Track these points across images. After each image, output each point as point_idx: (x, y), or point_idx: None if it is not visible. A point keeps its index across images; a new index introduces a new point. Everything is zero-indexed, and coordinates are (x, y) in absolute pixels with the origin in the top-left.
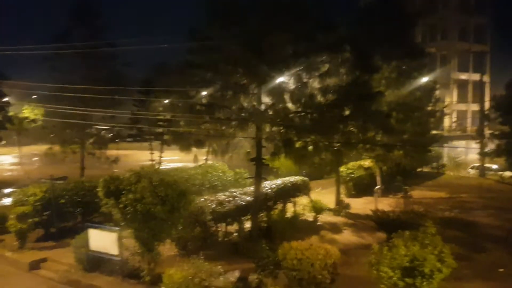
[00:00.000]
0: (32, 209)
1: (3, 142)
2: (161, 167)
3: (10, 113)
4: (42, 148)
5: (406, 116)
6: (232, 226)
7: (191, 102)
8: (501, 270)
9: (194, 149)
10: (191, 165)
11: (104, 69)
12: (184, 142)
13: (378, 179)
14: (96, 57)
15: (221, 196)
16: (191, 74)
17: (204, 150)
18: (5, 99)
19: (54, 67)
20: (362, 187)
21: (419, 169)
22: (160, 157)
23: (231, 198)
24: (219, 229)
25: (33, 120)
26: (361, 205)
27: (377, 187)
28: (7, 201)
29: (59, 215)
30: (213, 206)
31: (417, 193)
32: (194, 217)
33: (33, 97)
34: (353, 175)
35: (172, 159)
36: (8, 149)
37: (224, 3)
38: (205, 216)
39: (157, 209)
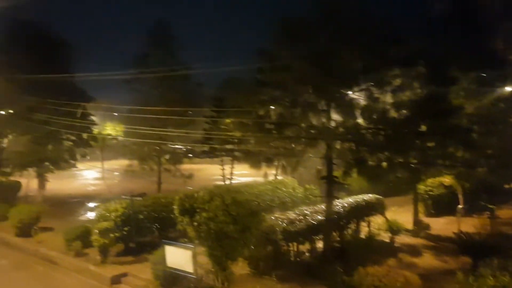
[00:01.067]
0: (113, 225)
1: (87, 158)
2: (232, 182)
3: (95, 132)
4: (122, 163)
5: (489, 130)
6: (303, 246)
7: (261, 120)
8: None
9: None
10: (261, 180)
11: (179, 90)
12: (254, 159)
13: (460, 197)
14: (171, 78)
15: (291, 214)
16: (261, 93)
17: (274, 165)
18: (90, 119)
19: (134, 89)
20: (442, 206)
21: (506, 186)
22: (231, 172)
23: (302, 217)
24: (291, 248)
25: (115, 138)
26: (441, 225)
27: (459, 206)
28: (92, 215)
29: (138, 230)
30: (284, 224)
31: (505, 212)
32: (265, 236)
33: (114, 114)
34: (432, 193)
35: (243, 174)
36: (92, 164)
37: (291, 23)
38: (276, 235)
39: (230, 228)
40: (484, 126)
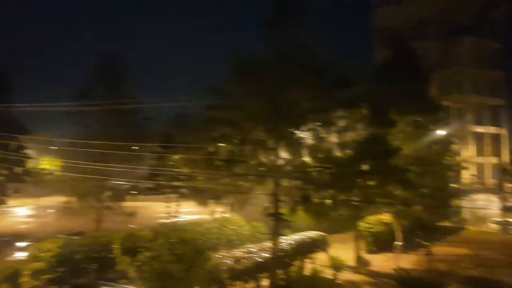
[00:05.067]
0: (47, 265)
1: (18, 194)
2: (177, 220)
3: (29, 165)
4: (58, 199)
5: (424, 170)
6: (249, 284)
7: (210, 157)
8: None
9: (211, 202)
10: (208, 217)
11: (125, 124)
12: (202, 196)
13: (398, 234)
14: (117, 112)
15: (237, 252)
16: (211, 130)
17: (222, 202)
18: (24, 152)
19: (77, 122)
20: (382, 243)
21: (439, 224)
22: (177, 210)
23: (248, 255)
24: (236, 287)
25: (51, 172)
26: (381, 262)
27: (397, 243)
28: (22, 255)
29: (73, 271)
30: (230, 263)
31: (438, 249)
32: (211, 275)
33: (54, 148)
34: (372, 230)
35: (189, 211)
36: (24, 200)
37: (244, 62)
38: (222, 274)
39: (174, 267)
40: (420, 166)
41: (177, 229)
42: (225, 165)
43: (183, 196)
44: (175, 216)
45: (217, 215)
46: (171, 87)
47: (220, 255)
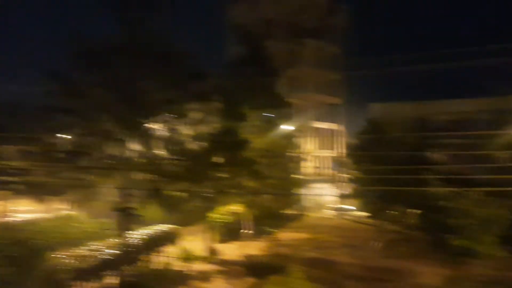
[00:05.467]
0: None
1: None
2: (11, 220)
3: None
4: None
5: (272, 162)
6: (95, 283)
7: (49, 149)
8: None
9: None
10: (49, 216)
11: None
12: (40, 192)
13: (248, 223)
14: None
15: (80, 250)
16: (50, 119)
17: (64, 198)
18: None
19: None
20: (232, 232)
21: (284, 212)
22: (10, 208)
23: (92, 252)
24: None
25: None
26: (231, 250)
27: (245, 231)
28: None
29: None
30: (71, 262)
31: (283, 235)
32: (48, 276)
33: None
34: (223, 221)
35: (27, 210)
36: None
37: (88, 47)
38: (60, 275)
39: (6, 271)
40: (268, 158)
41: (9, 229)
42: (67, 157)
43: (18, 193)
44: (8, 216)
45: (60, 213)
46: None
47: (61, 255)
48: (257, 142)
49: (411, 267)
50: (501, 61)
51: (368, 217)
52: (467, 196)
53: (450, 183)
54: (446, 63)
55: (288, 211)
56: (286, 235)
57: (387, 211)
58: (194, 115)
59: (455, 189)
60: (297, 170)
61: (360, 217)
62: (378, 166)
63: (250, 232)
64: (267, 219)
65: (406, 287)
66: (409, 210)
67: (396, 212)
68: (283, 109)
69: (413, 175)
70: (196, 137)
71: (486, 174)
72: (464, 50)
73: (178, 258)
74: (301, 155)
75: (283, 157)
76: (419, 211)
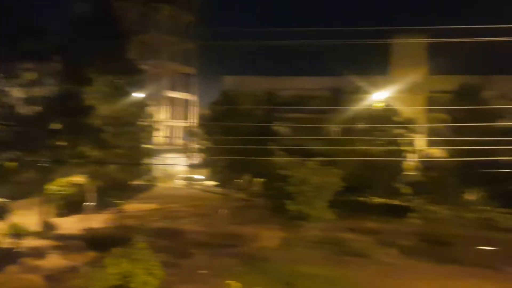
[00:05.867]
0: None
1: None
2: None
3: None
4: None
5: (120, 131)
6: None
7: None
8: (202, 272)
9: None
10: None
11: None
12: None
13: (90, 195)
14: None
15: None
16: None
17: None
18: None
19: None
20: (73, 205)
21: (132, 183)
22: None
23: None
24: None
25: None
26: (71, 224)
27: (88, 203)
28: None
29: None
30: None
31: (130, 206)
32: None
33: None
34: (63, 193)
35: None
36: None
37: None
38: None
39: None
40: (115, 127)
41: None
42: None
43: None
44: None
45: None
46: None
47: None
48: (104, 109)
49: (254, 232)
50: (346, 43)
51: (217, 186)
52: (305, 165)
53: (291, 154)
54: (296, 40)
55: (137, 182)
56: (133, 206)
57: (234, 180)
58: (28, 75)
59: (295, 159)
60: (147, 139)
61: (209, 186)
62: (228, 137)
63: (94, 204)
64: (113, 191)
65: (248, 251)
66: (254, 178)
67: (242, 181)
68: (135, 76)
69: (259, 146)
70: (30, 100)
71: (322, 145)
72: (312, 30)
73: (7, 235)
74: (152, 125)
75: (133, 126)
76: (263, 180)
